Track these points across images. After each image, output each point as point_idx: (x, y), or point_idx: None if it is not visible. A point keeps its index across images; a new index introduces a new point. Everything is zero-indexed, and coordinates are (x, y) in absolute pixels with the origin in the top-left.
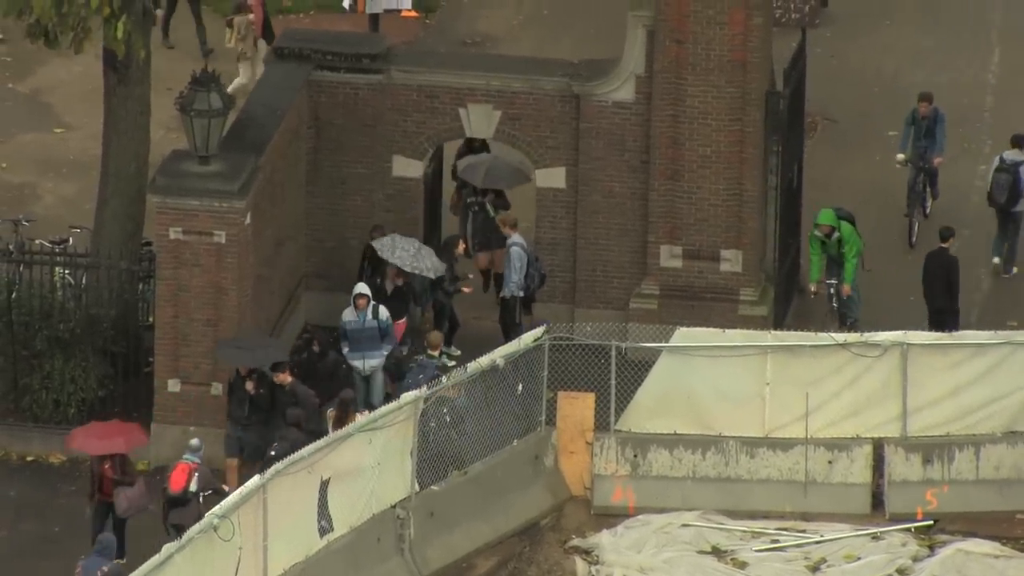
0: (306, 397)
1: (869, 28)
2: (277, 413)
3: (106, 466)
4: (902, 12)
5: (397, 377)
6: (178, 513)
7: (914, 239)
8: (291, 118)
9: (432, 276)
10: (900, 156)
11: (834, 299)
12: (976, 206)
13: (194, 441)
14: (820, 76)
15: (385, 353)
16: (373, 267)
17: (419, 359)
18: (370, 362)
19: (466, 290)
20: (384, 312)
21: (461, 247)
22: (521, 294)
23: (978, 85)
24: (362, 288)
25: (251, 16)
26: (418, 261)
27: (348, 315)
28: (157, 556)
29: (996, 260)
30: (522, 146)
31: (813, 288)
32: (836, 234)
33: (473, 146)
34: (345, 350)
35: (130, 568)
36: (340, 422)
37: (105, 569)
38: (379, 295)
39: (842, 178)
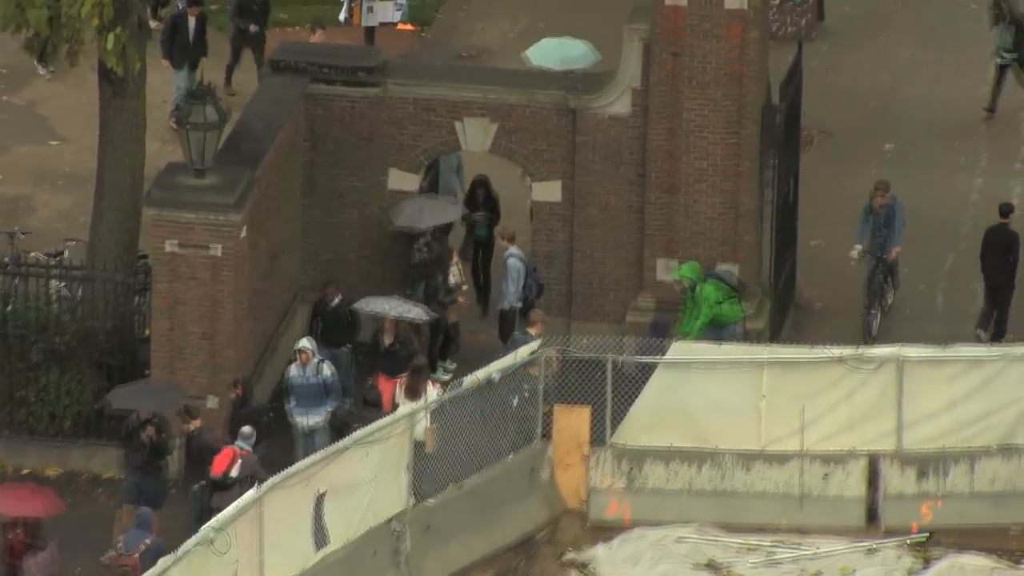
0: (213, 444)
1: (865, 42)
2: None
3: (17, 531)
4: (898, 26)
5: (342, 435)
6: (219, 497)
7: (874, 333)
8: (287, 131)
9: (420, 321)
10: (856, 249)
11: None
12: (972, 219)
13: (246, 429)
14: (816, 90)
15: (329, 410)
16: (324, 322)
17: (516, 335)
18: (312, 419)
19: (462, 300)
20: (328, 368)
21: (455, 258)
22: (519, 305)
23: (973, 98)
24: (304, 343)
25: None
26: (400, 308)
27: (293, 370)
28: (153, 569)
29: None
30: (518, 159)
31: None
32: (698, 288)
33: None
34: (290, 404)
35: None
36: (412, 390)
37: (148, 542)
38: (375, 350)
39: (838, 191)
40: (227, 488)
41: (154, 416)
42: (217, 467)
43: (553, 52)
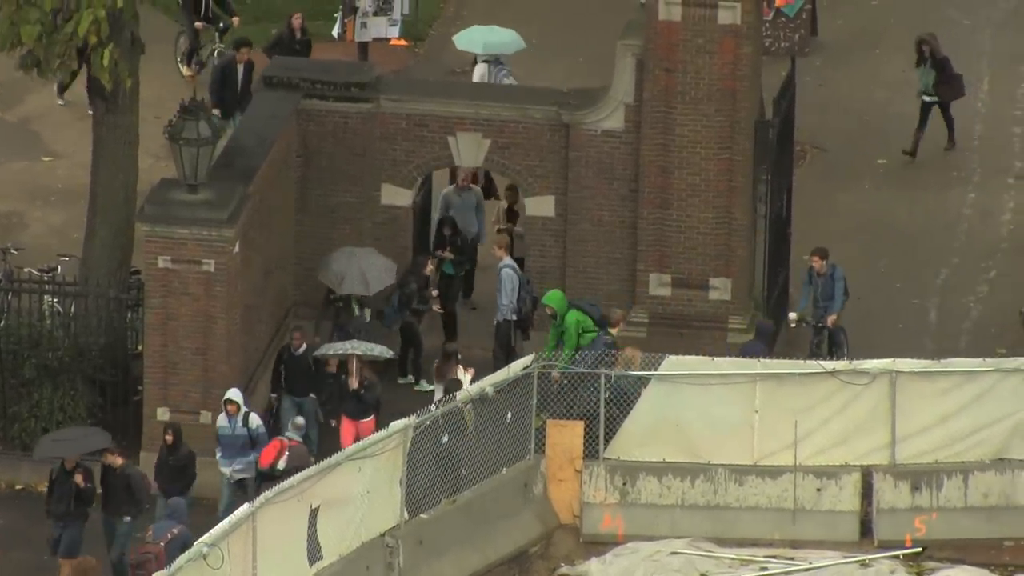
0: (139, 481)
1: (859, 57)
2: (113, 498)
3: None
4: (891, 41)
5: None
6: (268, 487)
7: None
8: (280, 147)
9: (384, 357)
10: (792, 315)
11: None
12: (965, 234)
13: (299, 419)
14: (810, 105)
15: (252, 461)
16: (288, 370)
17: (600, 334)
18: (237, 469)
19: (436, 308)
20: (256, 420)
21: (430, 266)
22: (514, 317)
23: (968, 113)
24: (231, 394)
25: None
26: (362, 348)
27: (220, 420)
28: None
29: None
30: (511, 174)
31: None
32: (559, 318)
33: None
34: (217, 455)
35: None
36: (440, 373)
37: (175, 531)
38: (342, 393)
39: (831, 206)
40: (274, 479)
41: (79, 464)
42: (264, 458)
43: (478, 38)
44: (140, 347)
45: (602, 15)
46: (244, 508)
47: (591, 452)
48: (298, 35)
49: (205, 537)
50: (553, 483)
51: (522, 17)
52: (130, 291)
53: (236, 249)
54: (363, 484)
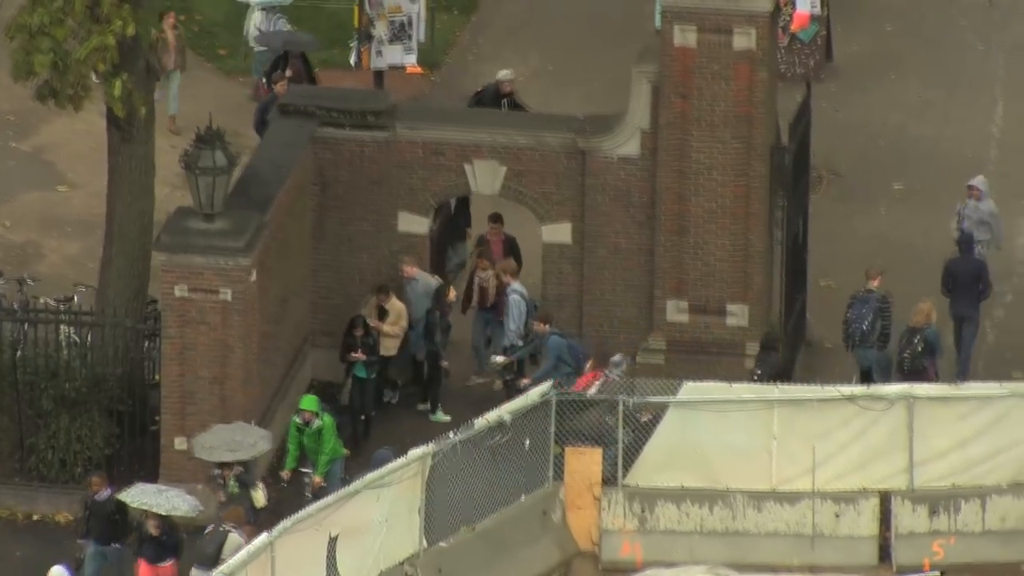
0: (109, 509)
1: (874, 82)
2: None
3: None
4: (907, 65)
5: None
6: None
7: None
8: (296, 175)
9: (190, 515)
10: (497, 359)
11: (308, 490)
12: (980, 257)
13: (616, 357)
14: (826, 130)
15: None
16: (93, 517)
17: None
18: None
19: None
20: None
21: (452, 294)
22: (520, 343)
23: (982, 138)
24: (54, 572)
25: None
26: (169, 504)
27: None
28: None
29: None
30: (528, 201)
31: (285, 475)
32: (317, 422)
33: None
34: None
35: None
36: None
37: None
38: (140, 536)
39: (848, 232)
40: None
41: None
42: (578, 386)
43: None
44: (157, 377)
45: (617, 41)
46: (263, 537)
47: (610, 479)
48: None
49: (223, 567)
50: (572, 510)
51: (538, 43)
52: (147, 321)
53: (253, 278)
54: (382, 512)
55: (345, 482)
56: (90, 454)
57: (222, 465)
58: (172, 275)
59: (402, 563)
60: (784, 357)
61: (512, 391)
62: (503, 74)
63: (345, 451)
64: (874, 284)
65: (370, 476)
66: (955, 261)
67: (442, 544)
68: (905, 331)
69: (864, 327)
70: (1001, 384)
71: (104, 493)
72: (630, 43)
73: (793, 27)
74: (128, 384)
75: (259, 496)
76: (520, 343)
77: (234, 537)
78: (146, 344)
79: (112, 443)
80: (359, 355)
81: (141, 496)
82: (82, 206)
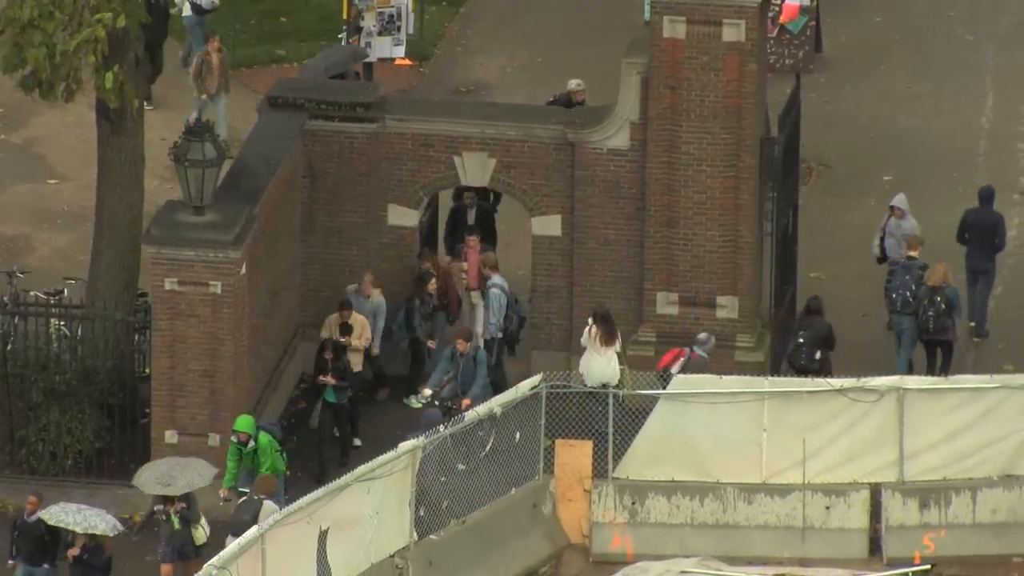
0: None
1: (864, 73)
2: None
3: None
4: (896, 57)
5: None
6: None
7: None
8: (286, 168)
9: (111, 533)
10: (426, 391)
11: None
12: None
13: (702, 335)
14: (815, 122)
15: None
16: (23, 538)
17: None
18: None
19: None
20: None
21: (433, 284)
22: (500, 335)
23: (972, 129)
24: None
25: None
26: (87, 523)
27: None
28: None
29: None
30: (517, 194)
31: (223, 494)
32: (252, 443)
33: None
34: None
35: None
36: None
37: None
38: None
39: (837, 223)
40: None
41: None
42: (661, 363)
43: None
44: (147, 370)
45: (606, 33)
46: (254, 530)
47: (600, 471)
48: None
49: (215, 560)
50: (562, 503)
51: (527, 35)
52: (137, 314)
53: (243, 270)
54: (372, 505)
55: (288, 501)
56: (80, 447)
57: (165, 500)
58: (162, 268)
59: (392, 556)
60: (778, 345)
61: (453, 413)
62: (574, 84)
63: (285, 469)
64: (915, 253)
65: (360, 469)
66: (972, 212)
67: (432, 537)
68: (925, 291)
69: (907, 295)
70: (991, 376)
71: (35, 515)
72: (619, 35)
73: (782, 18)
74: (118, 377)
75: (200, 534)
76: (499, 335)
77: (269, 504)
78: (136, 337)
79: (102, 436)
80: (328, 378)
81: (60, 514)
82: (72, 198)
